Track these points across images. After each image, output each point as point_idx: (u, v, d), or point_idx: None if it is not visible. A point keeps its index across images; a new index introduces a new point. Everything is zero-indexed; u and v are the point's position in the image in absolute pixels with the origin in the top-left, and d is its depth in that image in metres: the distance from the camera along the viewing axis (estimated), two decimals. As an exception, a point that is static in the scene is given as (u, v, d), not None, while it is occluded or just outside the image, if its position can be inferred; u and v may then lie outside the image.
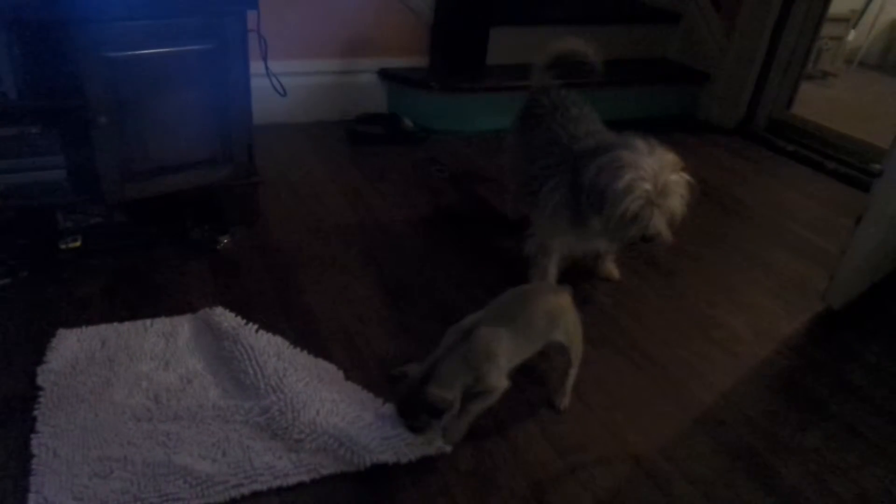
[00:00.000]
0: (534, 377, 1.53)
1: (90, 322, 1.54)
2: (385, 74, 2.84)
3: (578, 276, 1.94)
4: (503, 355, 1.30)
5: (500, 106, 2.90)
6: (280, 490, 1.20)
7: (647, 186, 1.47)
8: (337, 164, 2.48)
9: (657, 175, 1.48)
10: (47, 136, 1.70)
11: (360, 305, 1.72)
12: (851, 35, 4.25)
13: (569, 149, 1.71)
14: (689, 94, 3.32)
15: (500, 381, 1.31)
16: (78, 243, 1.78)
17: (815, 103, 3.36)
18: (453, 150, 2.70)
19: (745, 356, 1.69)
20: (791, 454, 1.40)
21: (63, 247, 1.76)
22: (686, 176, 1.54)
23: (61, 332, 1.50)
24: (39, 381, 1.36)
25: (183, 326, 1.55)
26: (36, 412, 1.30)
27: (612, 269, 1.96)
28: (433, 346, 1.58)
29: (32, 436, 1.25)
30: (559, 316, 1.40)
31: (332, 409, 1.34)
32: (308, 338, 1.56)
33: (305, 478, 1.22)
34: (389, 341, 1.59)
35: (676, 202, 1.52)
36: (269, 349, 1.48)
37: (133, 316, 1.58)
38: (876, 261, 1.88)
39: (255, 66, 1.94)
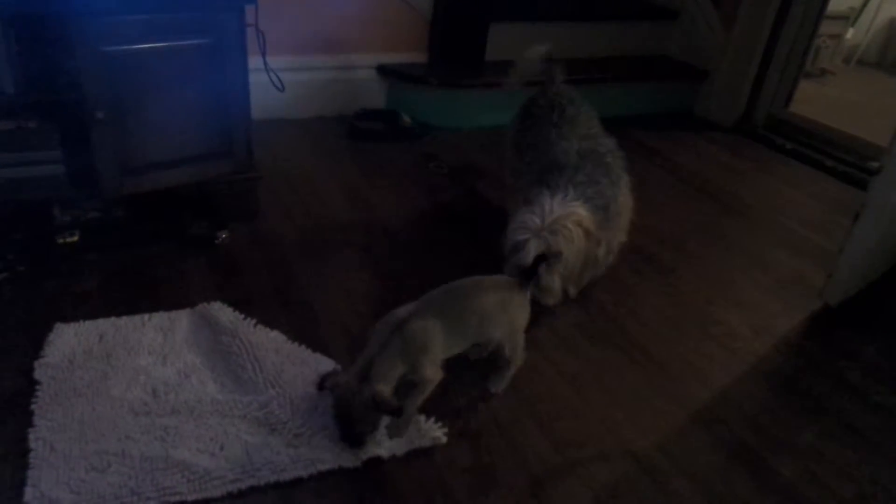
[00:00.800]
0: (532, 374, 1.54)
1: (88, 317, 1.54)
2: (384, 70, 2.83)
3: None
4: (437, 347, 1.29)
5: (499, 102, 2.90)
6: (278, 485, 1.20)
7: (536, 221, 1.55)
8: (335, 160, 2.47)
9: (554, 217, 1.55)
10: (45, 130, 1.70)
11: (358, 301, 1.71)
12: (850, 33, 4.26)
13: (553, 152, 1.74)
14: (687, 91, 3.32)
15: (434, 372, 1.31)
16: (76, 238, 1.77)
17: (813, 101, 3.37)
18: (452, 145, 2.70)
19: (743, 353, 1.69)
20: (788, 451, 1.41)
21: (61, 241, 1.76)
22: (585, 230, 1.57)
23: (59, 326, 1.50)
24: (37, 375, 1.36)
25: (181, 321, 1.55)
26: (33, 406, 1.29)
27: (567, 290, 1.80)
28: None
29: (30, 430, 1.24)
30: (496, 314, 1.37)
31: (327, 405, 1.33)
32: (306, 333, 1.56)
33: (303, 473, 1.22)
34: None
35: (562, 243, 1.54)
36: (267, 344, 1.48)
37: (131, 311, 1.58)
38: (874, 258, 1.89)
39: (254, 62, 1.93)
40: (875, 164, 1.70)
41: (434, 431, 1.33)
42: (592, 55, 3.15)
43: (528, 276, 1.44)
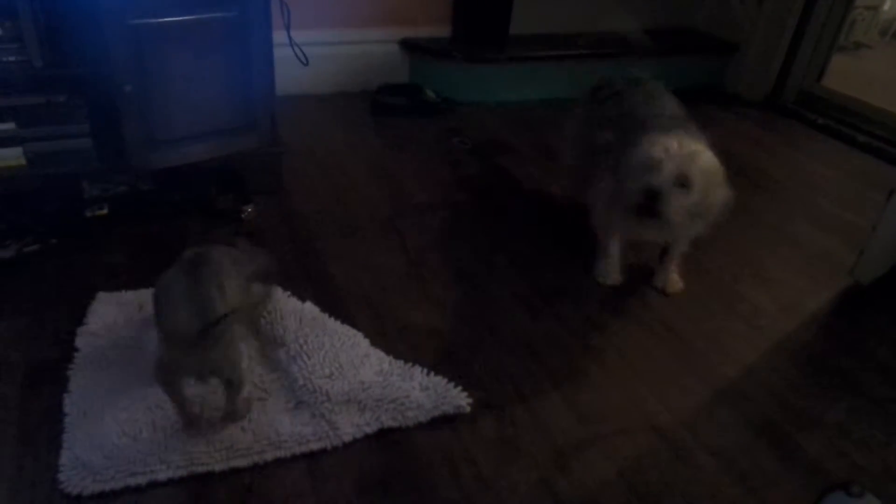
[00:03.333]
0: (555, 347, 1.54)
1: (118, 288, 1.57)
2: (407, 44, 2.81)
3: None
4: None
5: (524, 76, 2.88)
6: (304, 456, 1.22)
7: (674, 145, 1.46)
8: (359, 135, 2.47)
9: (686, 147, 1.47)
10: (73, 104, 1.71)
11: (382, 274, 1.72)
12: (887, 5, 4.12)
13: (638, 121, 1.66)
14: (717, 65, 3.26)
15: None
16: (104, 211, 1.80)
17: (847, 75, 3.28)
18: (476, 120, 2.68)
19: (769, 330, 1.67)
20: (814, 428, 1.39)
21: (90, 215, 1.79)
22: (713, 171, 1.49)
23: (101, 295, 1.53)
24: (78, 342, 1.40)
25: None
26: (69, 373, 1.33)
27: (672, 279, 1.78)
28: (458, 314, 1.61)
29: (65, 395, 1.28)
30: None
31: (356, 374, 1.35)
32: (331, 306, 1.57)
33: (328, 444, 1.24)
34: (412, 310, 1.60)
35: (692, 172, 1.45)
36: (295, 314, 1.49)
37: (159, 283, 1.60)
38: (907, 236, 1.84)
39: (278, 36, 1.93)
40: (911, 139, 1.65)
41: (460, 399, 1.33)
42: (619, 29, 3.09)
43: (654, 196, 1.39)
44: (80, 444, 1.18)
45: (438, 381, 1.37)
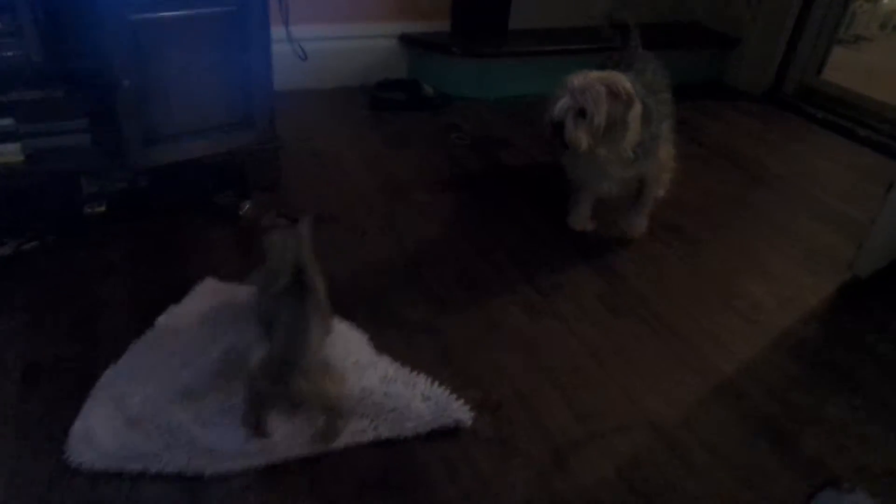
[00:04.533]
0: (553, 345, 1.54)
1: (117, 286, 1.57)
2: (406, 39, 2.80)
3: (601, 244, 1.93)
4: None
5: (523, 71, 2.86)
6: (301, 461, 1.21)
7: (573, 84, 1.64)
8: (358, 130, 2.47)
9: (586, 80, 1.63)
10: (72, 99, 1.71)
11: (381, 271, 1.72)
12: (888, -3, 4.10)
13: None
14: (717, 59, 3.24)
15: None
16: (103, 208, 1.80)
17: (847, 69, 3.26)
18: (475, 116, 2.67)
19: (767, 325, 1.67)
20: (814, 424, 1.39)
21: (88, 211, 1.78)
22: (613, 94, 1.63)
23: (208, 280, 1.58)
24: (159, 319, 1.44)
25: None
26: (131, 344, 1.38)
27: (637, 224, 1.94)
28: (456, 312, 1.60)
29: (111, 365, 1.32)
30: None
31: (360, 379, 1.34)
32: (331, 303, 1.57)
33: (324, 449, 1.22)
34: (410, 307, 1.60)
35: (590, 101, 1.62)
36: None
37: (158, 280, 1.60)
38: (906, 231, 1.84)
39: (276, 31, 1.92)
40: (911, 134, 1.65)
41: (461, 412, 1.31)
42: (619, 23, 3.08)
43: (557, 130, 1.63)
44: (96, 416, 1.20)
45: (441, 393, 1.34)
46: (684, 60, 3.15)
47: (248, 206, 1.89)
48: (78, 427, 1.19)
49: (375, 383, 1.34)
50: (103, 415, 1.21)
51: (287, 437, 1.23)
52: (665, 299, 1.73)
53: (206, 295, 1.54)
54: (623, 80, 1.65)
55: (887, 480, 1.28)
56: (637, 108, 1.66)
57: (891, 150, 2.59)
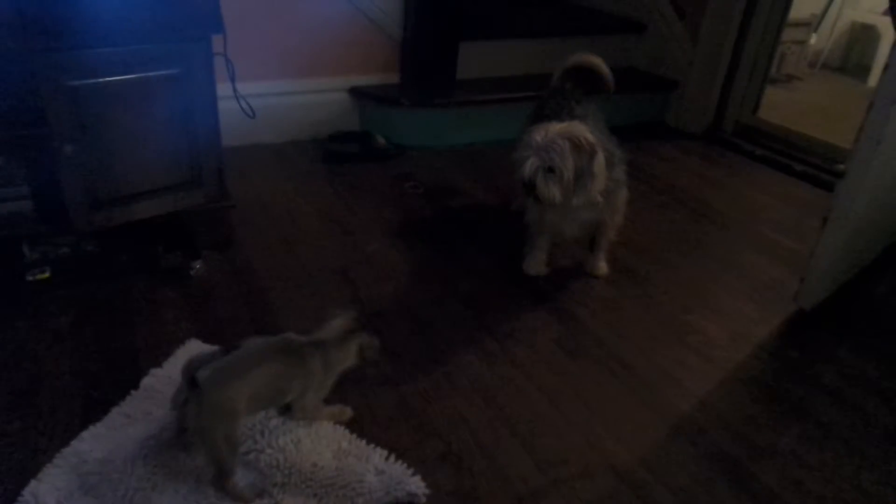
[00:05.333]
0: (512, 392, 1.54)
1: (62, 354, 1.52)
2: (356, 92, 2.84)
3: (555, 288, 1.95)
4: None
5: (472, 120, 2.93)
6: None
7: (537, 139, 1.71)
8: (310, 184, 2.47)
9: (549, 135, 1.70)
10: (11, 166, 1.68)
11: (336, 326, 1.70)
12: (813, 38, 4.35)
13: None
14: (657, 101, 3.37)
15: None
16: (46, 275, 1.75)
17: (780, 107, 3.43)
18: (427, 165, 2.71)
19: (721, 361, 1.70)
20: (769, 457, 1.41)
21: (31, 279, 1.73)
22: (576, 146, 1.70)
23: (192, 341, 1.57)
24: (143, 381, 1.44)
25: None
26: (113, 408, 1.37)
27: (600, 264, 2.03)
28: (413, 363, 1.59)
29: (90, 426, 1.32)
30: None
31: (311, 452, 1.30)
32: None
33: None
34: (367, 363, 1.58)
35: (556, 157, 1.69)
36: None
37: (104, 347, 1.55)
38: (844, 261, 1.91)
39: (223, 89, 1.93)
40: (841, 167, 1.73)
41: (416, 485, 1.26)
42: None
43: (530, 189, 1.72)
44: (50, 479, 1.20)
45: (395, 468, 1.29)
46: (628, 104, 3.26)
47: (199, 265, 1.87)
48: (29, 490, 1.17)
49: (328, 459, 1.29)
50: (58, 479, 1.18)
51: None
52: (620, 340, 1.75)
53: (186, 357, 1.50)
54: (584, 131, 1.72)
55: (843, 510, 1.31)
56: (600, 157, 1.73)
57: (825, 184, 2.71)
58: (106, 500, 1.18)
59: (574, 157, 1.69)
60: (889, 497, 1.34)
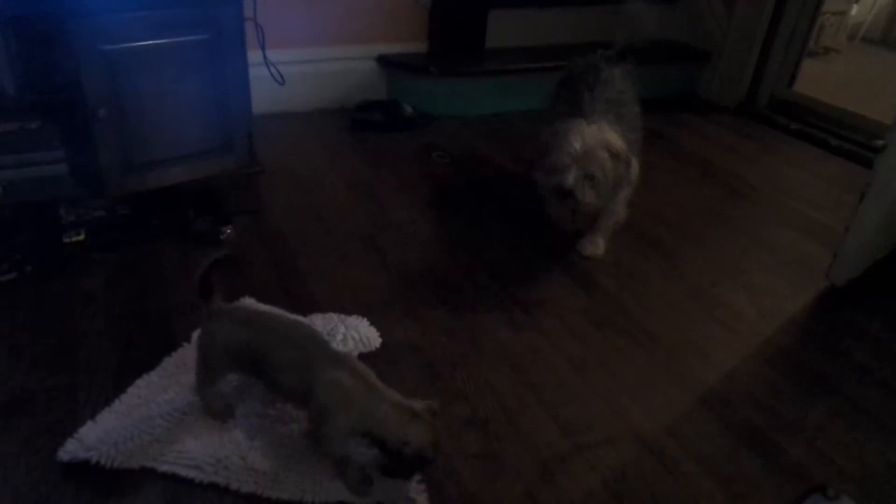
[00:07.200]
0: (538, 360, 1.54)
1: (96, 315, 1.55)
2: (384, 61, 2.83)
3: (582, 259, 1.94)
4: None
5: (500, 89, 2.90)
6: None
7: (576, 147, 1.71)
8: (338, 152, 2.48)
9: (588, 144, 1.71)
10: (47, 130, 1.71)
11: (363, 293, 1.72)
12: (854, 10, 4.21)
13: (581, 103, 1.86)
14: (691, 73, 3.30)
15: None
16: (81, 237, 1.78)
17: (817, 80, 3.34)
18: (454, 134, 2.69)
19: (748, 335, 1.69)
20: (795, 431, 1.41)
21: (67, 241, 1.77)
22: (614, 156, 1.73)
23: (245, 300, 1.60)
24: (195, 334, 1.42)
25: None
26: (165, 358, 1.42)
27: (596, 243, 1.97)
28: (441, 330, 1.61)
29: (145, 375, 1.37)
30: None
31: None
32: (313, 326, 1.57)
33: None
34: (394, 326, 1.60)
35: (596, 168, 1.72)
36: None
37: (138, 308, 1.59)
38: (879, 237, 1.88)
39: (253, 56, 1.93)
40: (880, 143, 1.69)
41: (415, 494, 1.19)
42: (594, 40, 3.13)
43: (566, 194, 1.72)
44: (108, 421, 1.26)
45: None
46: (659, 75, 3.21)
47: (229, 230, 1.89)
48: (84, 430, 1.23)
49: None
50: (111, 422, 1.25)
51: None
52: (647, 312, 1.74)
53: None
54: (617, 140, 1.75)
55: (869, 485, 1.30)
56: (635, 167, 1.78)
57: (862, 159, 2.64)
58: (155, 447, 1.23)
59: (613, 166, 1.73)
60: (917, 473, 1.33)
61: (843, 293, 1.86)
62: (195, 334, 1.36)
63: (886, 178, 1.69)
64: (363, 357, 1.48)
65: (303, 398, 1.16)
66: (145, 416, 1.26)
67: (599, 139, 1.73)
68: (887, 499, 1.28)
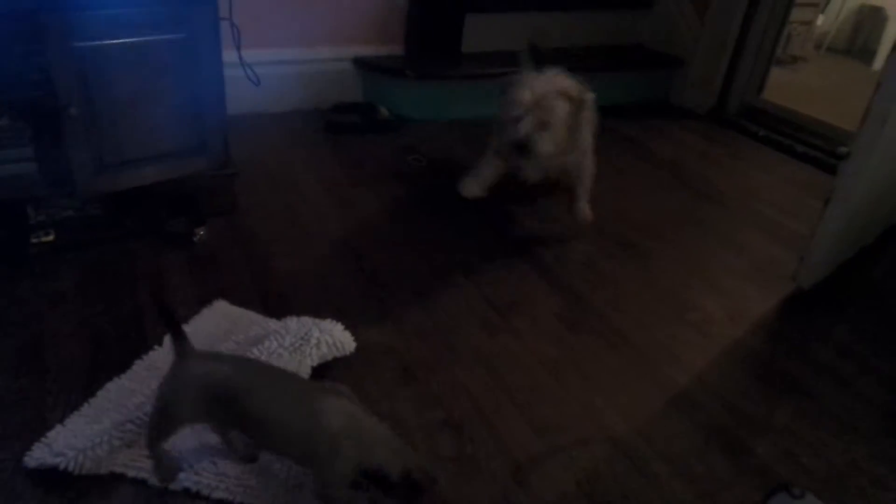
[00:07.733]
0: (512, 362, 1.56)
1: (67, 315, 1.53)
2: (360, 63, 2.82)
3: (557, 262, 1.96)
4: None
5: (476, 93, 2.91)
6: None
7: (527, 96, 1.69)
8: (313, 154, 2.47)
9: (539, 92, 1.69)
10: (17, 128, 1.67)
11: (338, 295, 1.72)
12: (820, 20, 4.32)
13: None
14: (662, 79, 3.36)
15: None
16: (51, 237, 1.75)
17: (785, 88, 3.42)
18: (430, 137, 2.70)
19: (718, 337, 1.72)
20: (763, 432, 1.44)
21: (35, 241, 1.74)
22: (569, 99, 1.73)
23: (218, 302, 1.60)
24: (166, 338, 1.42)
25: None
26: (137, 362, 1.40)
27: (585, 211, 2.04)
28: (415, 332, 1.61)
29: (121, 375, 1.37)
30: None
31: None
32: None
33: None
34: (369, 329, 1.60)
35: (551, 114, 1.70)
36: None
37: (110, 309, 1.57)
38: (844, 241, 1.93)
39: (229, 56, 1.92)
40: (844, 150, 1.74)
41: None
42: (568, 45, 3.17)
43: (522, 147, 1.69)
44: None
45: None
46: (632, 81, 3.25)
47: (202, 232, 1.87)
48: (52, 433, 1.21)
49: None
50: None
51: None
52: (620, 314, 1.77)
53: (217, 316, 1.56)
54: (570, 82, 1.72)
55: (834, 484, 1.33)
56: (588, 103, 1.74)
57: (827, 166, 2.71)
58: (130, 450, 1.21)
59: (566, 110, 1.70)
60: (880, 472, 1.37)
61: (810, 296, 1.91)
62: (166, 338, 1.34)
63: (850, 184, 1.74)
64: (338, 361, 1.48)
65: (297, 438, 1.06)
66: (116, 420, 1.23)
67: (551, 85, 1.71)
68: (850, 496, 1.32)
